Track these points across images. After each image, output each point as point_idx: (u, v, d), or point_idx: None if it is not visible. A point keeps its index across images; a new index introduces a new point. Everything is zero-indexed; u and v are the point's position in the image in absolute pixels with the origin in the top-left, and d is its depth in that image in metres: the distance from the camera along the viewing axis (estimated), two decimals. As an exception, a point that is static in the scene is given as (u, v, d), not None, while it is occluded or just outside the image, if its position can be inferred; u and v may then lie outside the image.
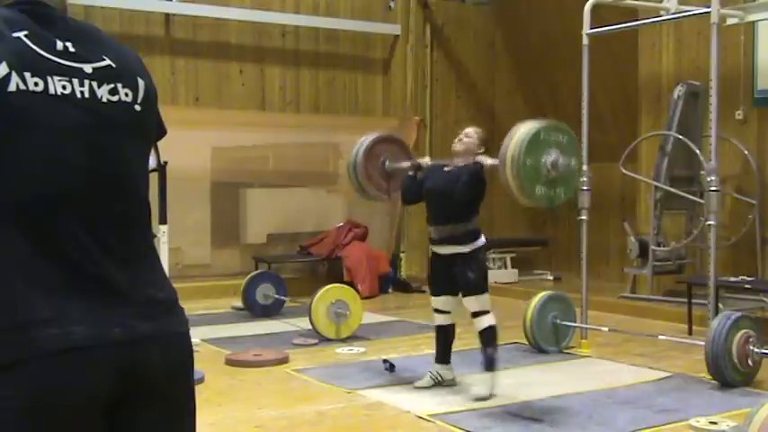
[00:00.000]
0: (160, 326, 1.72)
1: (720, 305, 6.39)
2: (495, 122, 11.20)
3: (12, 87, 1.58)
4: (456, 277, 5.22)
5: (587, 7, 6.76)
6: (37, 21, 1.67)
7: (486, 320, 5.22)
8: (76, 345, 1.58)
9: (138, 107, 1.76)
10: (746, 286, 7.16)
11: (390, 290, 10.08)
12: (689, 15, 6.90)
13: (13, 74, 1.58)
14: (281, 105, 10.32)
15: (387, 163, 5.77)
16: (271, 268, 9.31)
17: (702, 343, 5.47)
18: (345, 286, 7.44)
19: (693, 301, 7.13)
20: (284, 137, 10.28)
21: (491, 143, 5.36)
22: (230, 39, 9.95)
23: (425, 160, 5.73)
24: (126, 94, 1.73)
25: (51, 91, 1.63)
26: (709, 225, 6.06)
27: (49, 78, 1.63)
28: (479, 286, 5.21)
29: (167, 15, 9.56)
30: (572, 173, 4.68)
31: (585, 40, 6.75)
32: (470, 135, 5.30)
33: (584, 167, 6.69)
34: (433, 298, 5.44)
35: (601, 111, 9.84)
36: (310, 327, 6.99)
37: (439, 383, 5.35)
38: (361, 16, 10.69)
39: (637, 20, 7.79)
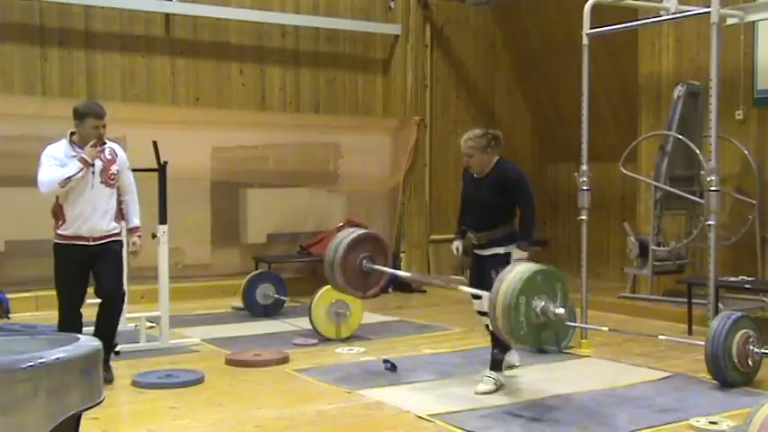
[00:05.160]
0: None
1: (720, 305, 6.39)
2: (495, 122, 11.20)
3: None
4: (483, 275, 5.31)
5: (587, 7, 6.76)
6: None
7: None
8: None
9: None
10: (746, 286, 7.16)
11: (390, 290, 10.07)
12: (689, 15, 6.89)
13: None
14: (281, 105, 10.32)
15: (365, 263, 5.79)
16: (271, 268, 9.31)
17: (702, 343, 5.47)
18: (345, 286, 7.44)
19: (693, 301, 7.13)
20: (284, 137, 10.28)
21: (498, 139, 5.40)
22: (230, 39, 9.95)
23: (457, 245, 5.64)
24: None
25: None
26: (709, 225, 6.07)
27: None
28: None
29: (167, 15, 9.56)
30: (560, 320, 4.67)
31: (585, 40, 6.75)
32: (471, 154, 5.31)
33: (584, 167, 6.70)
34: (474, 301, 5.54)
35: (601, 111, 9.84)
36: (310, 327, 6.99)
37: (500, 387, 5.35)
38: (361, 16, 10.69)
39: (637, 20, 7.79)
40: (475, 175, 5.43)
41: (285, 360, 6.15)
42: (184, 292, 8.70)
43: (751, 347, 5.40)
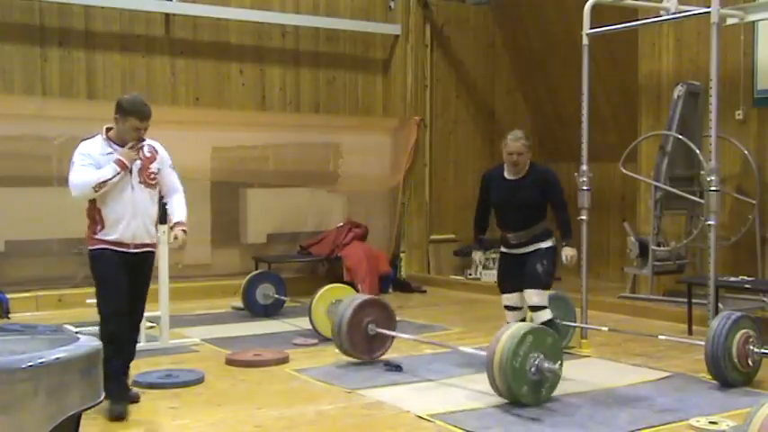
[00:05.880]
0: None
1: (720, 305, 6.39)
2: (496, 122, 11.22)
3: None
4: (525, 270, 5.61)
5: (587, 7, 6.75)
6: None
7: (546, 314, 5.72)
8: None
9: None
10: (746, 286, 7.16)
11: (390, 290, 10.08)
12: (689, 15, 6.89)
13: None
14: (281, 105, 10.33)
15: (370, 326, 6.05)
16: (271, 268, 9.31)
17: (702, 343, 5.47)
18: (345, 286, 7.44)
19: (693, 301, 7.13)
20: (284, 137, 10.28)
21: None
22: (230, 39, 9.95)
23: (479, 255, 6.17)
24: None
25: None
26: (709, 225, 6.06)
27: None
28: (544, 281, 5.67)
29: (167, 15, 9.56)
30: (556, 376, 4.95)
31: (585, 40, 6.75)
32: (521, 150, 5.60)
33: (584, 167, 6.70)
34: (504, 296, 5.82)
35: (601, 111, 9.84)
36: (310, 327, 6.99)
37: None
38: (361, 16, 10.69)
39: (637, 20, 7.79)
40: (507, 177, 5.69)
41: (285, 360, 6.15)
42: (184, 292, 8.69)
43: (751, 347, 5.40)
